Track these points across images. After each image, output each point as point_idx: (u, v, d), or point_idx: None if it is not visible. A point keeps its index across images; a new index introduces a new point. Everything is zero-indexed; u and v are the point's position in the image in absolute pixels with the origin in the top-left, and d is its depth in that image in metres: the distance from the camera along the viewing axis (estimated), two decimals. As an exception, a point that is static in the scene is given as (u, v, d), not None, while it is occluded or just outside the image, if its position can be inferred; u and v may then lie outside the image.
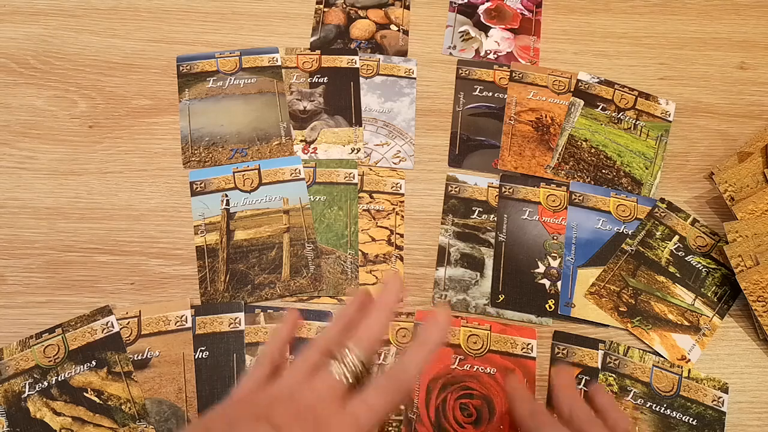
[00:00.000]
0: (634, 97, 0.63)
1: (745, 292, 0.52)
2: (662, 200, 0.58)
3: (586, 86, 0.64)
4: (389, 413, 0.38)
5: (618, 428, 0.42)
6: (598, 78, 0.64)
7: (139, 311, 0.51)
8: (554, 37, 0.67)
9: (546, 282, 0.55)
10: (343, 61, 0.64)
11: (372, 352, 0.38)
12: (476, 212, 0.57)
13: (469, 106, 0.62)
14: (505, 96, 0.63)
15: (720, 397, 0.50)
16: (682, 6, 0.70)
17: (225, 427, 0.35)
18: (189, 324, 0.51)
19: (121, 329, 0.50)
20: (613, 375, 0.51)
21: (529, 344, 0.52)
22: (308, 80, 0.63)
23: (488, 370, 0.51)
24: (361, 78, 0.63)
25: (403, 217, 0.57)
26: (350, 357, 0.37)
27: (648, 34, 0.68)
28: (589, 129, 0.62)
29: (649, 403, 0.50)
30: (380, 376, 0.38)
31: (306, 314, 0.52)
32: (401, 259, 0.55)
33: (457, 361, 0.51)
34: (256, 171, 0.57)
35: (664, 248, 0.56)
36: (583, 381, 0.51)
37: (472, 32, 0.67)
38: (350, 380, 0.37)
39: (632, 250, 0.56)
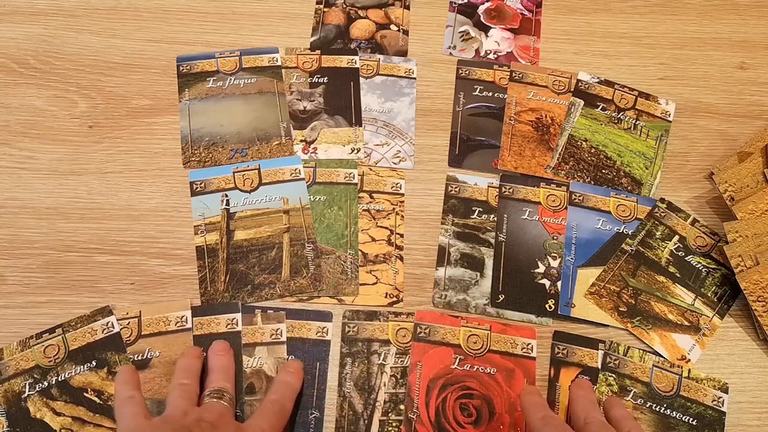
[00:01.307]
0: (634, 97, 0.63)
1: (745, 292, 0.52)
2: (662, 200, 0.58)
3: (586, 86, 0.64)
4: (281, 430, 0.46)
5: None
6: (598, 78, 0.64)
7: (139, 311, 0.51)
8: (554, 37, 0.67)
9: (546, 282, 0.55)
10: (343, 61, 0.64)
11: (233, 388, 0.47)
12: (476, 212, 0.57)
13: (469, 106, 0.62)
14: (505, 96, 0.63)
15: (720, 397, 0.50)
16: (682, 6, 0.70)
17: (172, 428, 0.40)
18: (189, 324, 0.51)
19: (121, 329, 0.50)
20: (613, 375, 0.51)
21: (529, 344, 0.52)
22: (308, 80, 0.63)
23: (488, 370, 0.51)
24: (361, 78, 0.63)
25: (403, 217, 0.57)
26: (221, 392, 0.45)
27: (648, 34, 0.68)
28: (589, 129, 0.62)
29: (649, 403, 0.50)
30: (267, 402, 0.46)
31: (306, 314, 0.52)
32: (401, 259, 0.55)
33: (457, 361, 0.51)
34: (256, 171, 0.57)
35: (664, 248, 0.56)
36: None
37: (472, 32, 0.67)
38: (231, 408, 0.44)
39: (632, 250, 0.56)
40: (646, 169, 0.60)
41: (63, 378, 0.48)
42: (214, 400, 0.44)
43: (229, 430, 0.41)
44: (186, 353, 0.48)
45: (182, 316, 0.51)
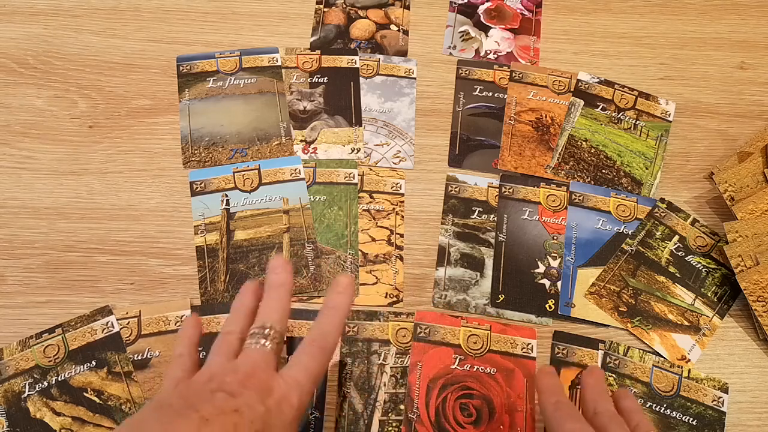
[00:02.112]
0: (634, 97, 0.63)
1: (745, 292, 0.52)
2: (662, 200, 0.58)
3: (586, 86, 0.64)
4: (322, 375, 0.42)
5: (639, 429, 0.42)
6: (598, 78, 0.64)
7: (139, 311, 0.51)
8: (554, 37, 0.67)
9: (546, 282, 0.55)
10: (343, 61, 0.64)
11: (283, 323, 0.42)
12: (476, 212, 0.57)
13: (469, 106, 0.62)
14: (505, 96, 0.63)
15: (720, 397, 0.50)
16: (682, 6, 0.70)
17: (183, 401, 0.37)
18: (189, 324, 0.51)
19: (121, 329, 0.50)
20: (613, 375, 0.51)
21: (529, 344, 0.52)
22: (308, 80, 0.63)
23: (488, 370, 0.51)
24: (361, 78, 0.63)
25: (403, 217, 0.57)
26: (267, 330, 0.40)
27: (648, 34, 0.68)
28: (589, 129, 0.62)
29: (649, 403, 0.50)
30: (306, 343, 0.41)
31: (306, 314, 0.52)
32: (401, 259, 0.55)
33: (457, 361, 0.51)
34: (256, 171, 0.57)
35: (664, 248, 0.56)
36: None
37: (472, 32, 0.67)
38: (275, 350, 0.40)
39: (632, 250, 0.56)
40: (646, 169, 0.60)
41: (63, 378, 0.48)
42: (253, 344, 0.40)
43: (251, 397, 0.37)
44: (241, 291, 0.44)
45: (182, 316, 0.51)
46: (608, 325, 0.53)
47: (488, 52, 0.66)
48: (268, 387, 0.38)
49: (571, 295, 0.54)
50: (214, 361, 0.40)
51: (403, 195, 0.58)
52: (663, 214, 0.58)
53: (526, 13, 0.69)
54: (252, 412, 0.36)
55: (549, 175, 0.59)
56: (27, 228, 0.55)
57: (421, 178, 0.59)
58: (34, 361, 0.49)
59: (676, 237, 0.57)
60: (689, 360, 0.52)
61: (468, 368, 0.51)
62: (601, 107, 0.63)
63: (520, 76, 0.64)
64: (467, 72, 0.64)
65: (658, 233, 0.57)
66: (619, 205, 0.58)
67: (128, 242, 0.55)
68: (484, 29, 0.67)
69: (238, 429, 0.35)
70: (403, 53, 0.65)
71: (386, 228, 0.56)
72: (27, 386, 0.48)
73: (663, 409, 0.50)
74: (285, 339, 0.41)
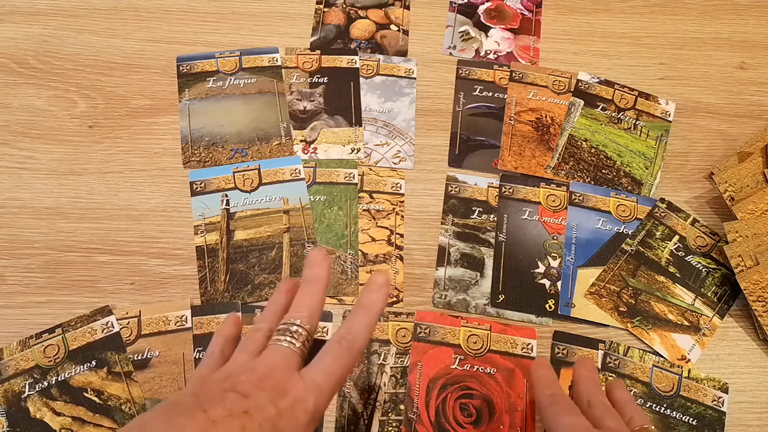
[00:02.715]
0: (634, 97, 0.63)
1: (745, 292, 0.52)
2: (662, 200, 0.58)
3: (586, 86, 0.64)
4: (345, 378, 0.39)
5: (633, 422, 0.42)
6: (598, 78, 0.64)
7: (139, 311, 0.51)
8: (554, 37, 0.67)
9: (546, 282, 0.55)
10: (343, 61, 0.64)
11: (313, 321, 0.40)
12: (476, 212, 0.57)
13: (469, 106, 0.62)
14: (505, 96, 0.63)
15: (720, 397, 0.50)
16: (682, 6, 0.70)
17: (193, 400, 0.36)
18: (189, 324, 0.51)
19: (121, 329, 0.50)
20: (613, 375, 0.51)
21: (529, 344, 0.52)
22: (308, 80, 0.63)
23: (488, 370, 0.51)
24: (361, 78, 0.63)
25: (403, 217, 0.57)
26: (294, 327, 0.38)
27: (648, 34, 0.68)
28: (589, 129, 0.62)
29: (649, 403, 0.50)
30: (332, 342, 0.39)
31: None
32: (401, 259, 0.55)
33: (457, 361, 0.51)
34: (256, 171, 0.57)
35: (664, 248, 0.56)
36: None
37: (472, 32, 0.67)
38: (299, 348, 0.38)
39: (632, 250, 0.56)
40: (646, 169, 0.60)
41: (63, 378, 0.48)
42: (278, 342, 0.38)
43: (263, 399, 0.35)
44: (278, 288, 0.43)
45: (182, 316, 0.51)
46: (608, 325, 0.53)
47: (488, 52, 0.66)
48: (284, 388, 0.37)
49: (571, 295, 0.54)
50: (237, 357, 0.39)
51: (403, 195, 0.58)
52: (663, 214, 0.58)
53: (526, 13, 0.69)
54: (262, 415, 0.35)
55: (549, 175, 0.59)
56: (27, 228, 0.55)
57: (421, 178, 0.59)
58: (34, 361, 0.49)
59: (676, 237, 0.57)
60: (689, 360, 0.52)
61: (468, 368, 0.51)
62: (601, 107, 0.63)
63: (520, 76, 0.64)
64: (467, 72, 0.64)
65: (658, 233, 0.57)
66: (619, 205, 0.58)
67: (128, 242, 0.55)
68: (484, 29, 0.67)
69: (246, 431, 0.34)
70: (403, 53, 0.65)
71: (386, 228, 0.56)
72: (27, 386, 0.48)
73: (663, 409, 0.50)
74: (312, 338, 0.39)
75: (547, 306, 0.54)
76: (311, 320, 0.39)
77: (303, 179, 0.57)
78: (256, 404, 0.35)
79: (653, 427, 0.42)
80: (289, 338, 0.38)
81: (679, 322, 0.53)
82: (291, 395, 0.36)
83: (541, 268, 0.55)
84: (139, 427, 0.35)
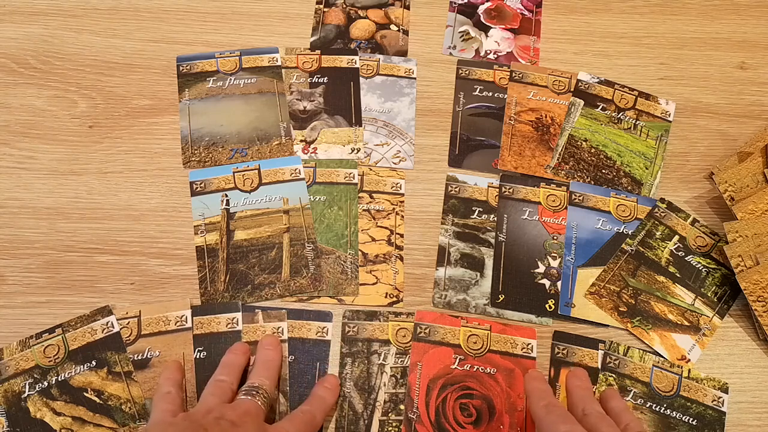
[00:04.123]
0: (634, 97, 0.63)
1: (745, 292, 0.52)
2: (662, 200, 0.58)
3: (586, 86, 0.64)
4: None
5: (629, 429, 0.42)
6: (598, 78, 0.64)
7: (139, 311, 0.51)
8: (554, 37, 0.67)
9: (546, 282, 0.55)
10: (343, 61, 0.64)
11: (273, 391, 0.46)
12: (476, 212, 0.57)
13: (469, 106, 0.62)
14: (505, 96, 0.63)
15: (720, 397, 0.50)
16: (682, 6, 0.70)
17: (188, 424, 0.40)
18: (189, 324, 0.51)
19: (121, 329, 0.50)
20: (613, 375, 0.51)
21: (529, 344, 0.52)
22: (308, 80, 0.63)
23: (488, 370, 0.51)
24: (361, 78, 0.63)
25: (403, 217, 0.57)
26: (259, 390, 0.44)
27: (648, 34, 0.68)
28: (589, 129, 0.62)
29: (649, 403, 0.50)
30: (298, 411, 0.45)
31: (306, 314, 0.52)
32: (401, 259, 0.55)
33: (457, 361, 0.51)
34: (256, 171, 0.57)
35: (664, 248, 0.56)
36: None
37: (472, 32, 0.67)
38: (265, 405, 0.44)
39: (632, 250, 0.56)
40: (646, 169, 0.60)
41: (63, 378, 0.48)
42: (247, 397, 0.44)
43: (250, 428, 0.41)
44: (232, 349, 0.49)
45: (182, 316, 0.51)
46: (608, 325, 0.53)
47: (488, 52, 0.66)
48: (264, 427, 0.42)
49: (571, 295, 0.54)
50: (209, 400, 0.43)
51: (403, 195, 0.58)
52: (663, 214, 0.58)
53: (526, 13, 0.69)
54: None
55: (549, 175, 0.59)
56: (27, 228, 0.55)
57: (421, 178, 0.59)
58: (34, 361, 0.49)
59: (676, 237, 0.57)
60: (689, 360, 0.52)
61: (468, 368, 0.51)
62: (601, 107, 0.63)
63: (520, 76, 0.64)
64: (467, 72, 0.64)
65: (658, 233, 0.57)
66: (619, 205, 0.58)
67: (128, 242, 0.55)
68: (484, 29, 0.67)
69: None
70: (403, 53, 0.65)
71: (386, 228, 0.56)
72: (27, 386, 0.48)
73: (663, 409, 0.50)
74: (269, 407, 0.45)
75: (547, 306, 0.54)
76: (271, 389, 0.46)
77: (303, 179, 0.57)
78: (246, 430, 0.41)
79: None
80: (254, 397, 0.44)
81: (679, 322, 0.53)
82: (273, 431, 0.42)
83: (541, 268, 0.55)
84: None
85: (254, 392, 0.44)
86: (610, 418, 0.43)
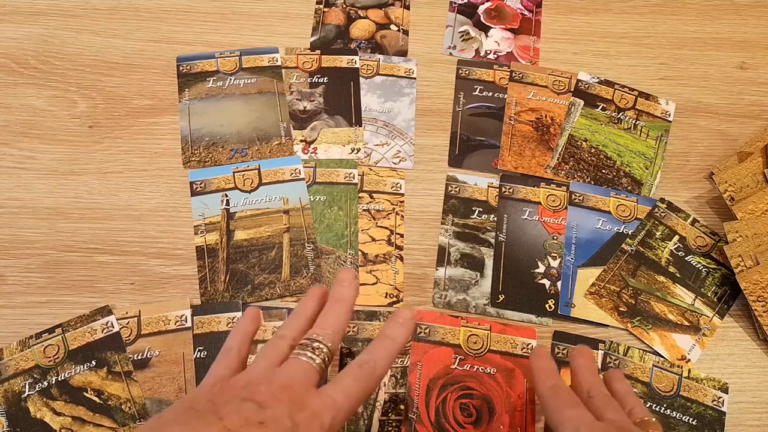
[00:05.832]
0: (634, 97, 0.63)
1: (745, 292, 0.52)
2: (662, 200, 0.58)
3: (586, 86, 0.64)
4: (362, 401, 0.40)
5: (634, 414, 0.42)
6: (598, 78, 0.64)
7: (139, 311, 0.51)
8: (554, 37, 0.67)
9: (546, 282, 0.55)
10: (343, 61, 0.64)
11: (336, 340, 0.40)
12: (476, 212, 0.57)
13: (469, 106, 0.62)
14: (505, 96, 0.63)
15: (720, 397, 0.50)
16: (682, 6, 0.70)
17: (210, 406, 0.36)
18: (189, 324, 0.51)
19: (121, 329, 0.50)
20: (613, 375, 0.51)
21: (529, 344, 0.52)
22: (308, 80, 0.63)
23: (488, 370, 0.51)
24: (361, 78, 0.63)
25: (403, 217, 0.57)
26: (317, 344, 0.39)
27: (648, 34, 0.68)
28: (589, 129, 0.62)
29: (649, 403, 0.50)
30: (353, 365, 0.39)
31: (306, 314, 0.52)
32: (401, 259, 0.55)
33: (457, 361, 0.51)
34: (256, 171, 0.58)
35: (664, 248, 0.56)
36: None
37: (472, 32, 0.67)
38: (319, 365, 0.38)
39: (632, 250, 0.56)
40: (646, 169, 0.60)
41: (63, 378, 0.48)
42: (300, 357, 0.38)
43: (281, 410, 0.35)
44: (308, 294, 0.43)
45: (182, 316, 0.51)
46: (608, 325, 0.53)
47: (488, 52, 0.66)
48: (302, 402, 0.36)
49: (571, 295, 0.54)
50: (258, 364, 0.39)
51: (403, 195, 0.58)
52: (663, 214, 0.58)
53: (526, 13, 0.69)
54: (277, 426, 0.35)
55: (549, 175, 0.59)
56: (27, 228, 0.55)
57: (421, 178, 0.59)
58: (34, 361, 0.49)
59: (676, 237, 0.57)
60: (689, 360, 0.52)
61: (468, 368, 0.51)
62: (601, 107, 0.63)
63: (520, 76, 0.64)
64: (467, 72, 0.64)
65: (658, 233, 0.57)
66: (619, 205, 0.58)
67: (128, 242, 0.55)
68: (484, 29, 0.67)
69: None
70: (403, 53, 0.65)
71: (386, 228, 0.56)
72: (27, 386, 0.48)
73: (663, 409, 0.50)
74: (334, 358, 0.40)
75: (547, 306, 0.54)
76: (334, 339, 0.40)
77: (303, 179, 0.57)
78: (273, 415, 0.35)
79: (654, 419, 0.42)
80: (310, 353, 0.38)
81: (679, 322, 0.53)
82: (308, 410, 0.36)
83: (541, 268, 0.55)
84: (154, 430, 0.35)
85: (311, 348, 0.39)
86: (615, 402, 0.42)
